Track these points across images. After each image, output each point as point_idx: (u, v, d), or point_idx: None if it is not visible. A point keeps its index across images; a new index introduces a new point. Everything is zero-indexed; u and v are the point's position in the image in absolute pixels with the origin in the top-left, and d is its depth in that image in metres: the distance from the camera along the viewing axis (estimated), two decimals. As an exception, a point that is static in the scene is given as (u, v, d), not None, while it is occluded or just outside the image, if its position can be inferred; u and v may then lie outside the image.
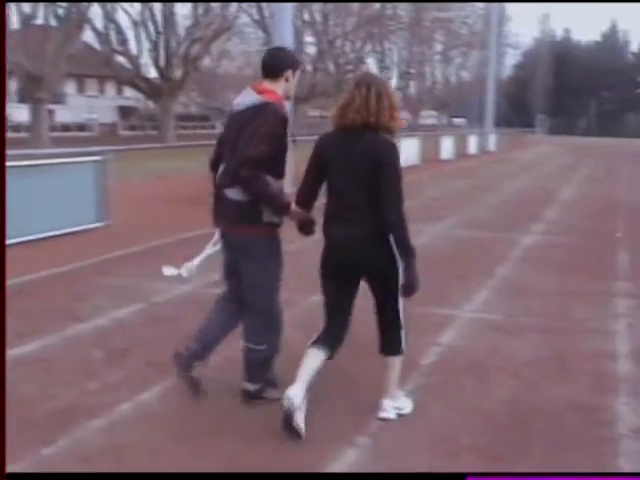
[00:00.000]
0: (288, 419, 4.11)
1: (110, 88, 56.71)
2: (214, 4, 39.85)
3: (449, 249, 10.07)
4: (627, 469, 3.92)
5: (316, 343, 4.42)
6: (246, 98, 4.62)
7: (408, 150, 25.45)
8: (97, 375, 5.04)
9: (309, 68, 51.53)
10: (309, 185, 4.43)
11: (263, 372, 4.71)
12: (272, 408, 4.54)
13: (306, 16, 49.66)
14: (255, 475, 3.73)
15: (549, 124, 75.85)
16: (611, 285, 8.15)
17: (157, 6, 40.58)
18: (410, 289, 4.18)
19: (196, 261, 5.08)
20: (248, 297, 4.66)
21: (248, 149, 4.33)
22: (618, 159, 36.26)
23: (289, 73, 4.62)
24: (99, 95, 55.17)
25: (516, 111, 78.68)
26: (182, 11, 43.44)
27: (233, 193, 4.51)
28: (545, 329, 6.43)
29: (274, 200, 4.45)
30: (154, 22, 41.23)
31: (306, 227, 4.56)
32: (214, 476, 3.69)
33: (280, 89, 4.59)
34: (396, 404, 4.54)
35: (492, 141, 39.90)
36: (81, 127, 46.60)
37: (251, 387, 4.69)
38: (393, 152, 4.19)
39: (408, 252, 4.13)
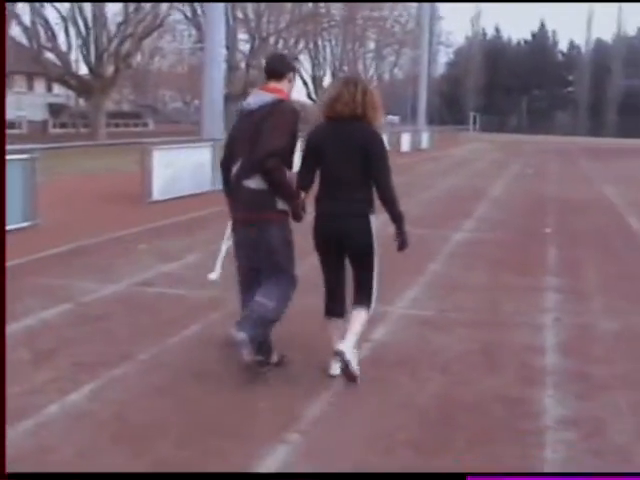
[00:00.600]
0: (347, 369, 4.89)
1: (39, 85, 55.60)
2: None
3: (381, 245, 10.12)
4: (552, 459, 4.00)
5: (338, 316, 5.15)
6: (258, 97, 5.10)
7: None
8: (25, 376, 4.93)
9: (242, 65, 51.41)
10: (307, 172, 5.02)
11: (256, 328, 4.86)
12: (202, 406, 4.54)
13: (239, 13, 49.52)
14: (258, 475, 3.71)
15: (481, 121, 76.93)
16: (539, 280, 8.31)
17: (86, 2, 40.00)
18: (403, 246, 5.05)
19: (218, 265, 5.30)
20: (269, 272, 5.06)
21: (272, 141, 4.82)
22: (548, 156, 36.99)
23: (291, 75, 5.19)
24: (28, 92, 54.06)
25: (449, 109, 79.60)
26: (113, 8, 42.84)
27: (252, 182, 4.95)
28: (474, 324, 6.53)
29: (288, 189, 4.96)
30: (83, 18, 40.61)
31: (299, 215, 5.05)
32: (214, 476, 3.64)
33: (285, 89, 5.13)
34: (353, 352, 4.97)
35: (425, 139, 40.27)
36: (10, 124, 45.58)
37: (237, 335, 4.79)
38: (378, 139, 4.98)
39: (400, 219, 5.01)
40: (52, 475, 3.58)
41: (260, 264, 5.07)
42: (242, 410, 4.53)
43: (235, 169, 5.04)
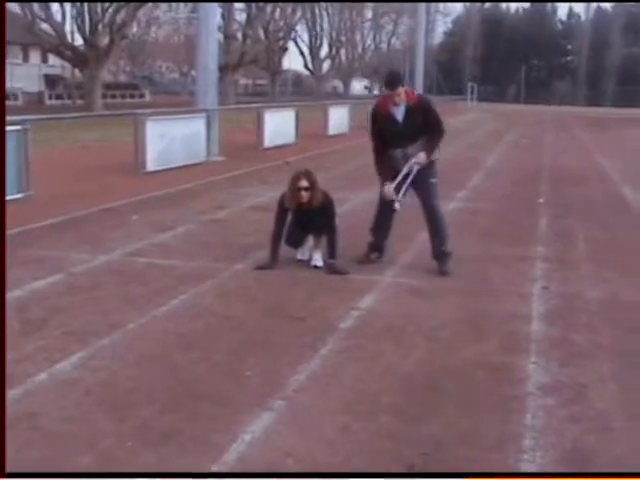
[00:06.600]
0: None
1: (34, 56, 55.30)
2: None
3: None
4: (532, 425, 4.07)
5: None
6: None
7: (337, 118, 25.54)
8: (14, 345, 4.98)
9: (239, 35, 51.11)
10: None
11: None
12: (189, 374, 4.60)
13: (235, -18, 49.20)
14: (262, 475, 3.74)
15: (479, 91, 76.59)
16: (530, 250, 8.36)
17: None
18: None
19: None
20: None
21: None
22: (545, 126, 36.93)
23: None
24: (23, 63, 53.75)
25: (447, 78, 79.29)
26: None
27: None
28: (462, 292, 6.58)
29: None
30: (78, -12, 40.31)
31: None
32: (214, 476, 3.67)
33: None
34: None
35: (422, 109, 40.00)
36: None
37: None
38: None
39: None
40: (52, 475, 3.62)
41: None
42: (229, 378, 4.58)
43: None
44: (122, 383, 4.48)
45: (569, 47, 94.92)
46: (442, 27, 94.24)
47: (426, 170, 7.03)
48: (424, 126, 6.93)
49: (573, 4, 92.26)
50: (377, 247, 7.55)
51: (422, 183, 7.06)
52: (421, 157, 6.91)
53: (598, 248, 8.59)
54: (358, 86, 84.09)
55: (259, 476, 3.53)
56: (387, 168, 7.11)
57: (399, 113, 6.91)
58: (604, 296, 6.61)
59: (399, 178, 7.00)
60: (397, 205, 7.02)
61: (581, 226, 9.90)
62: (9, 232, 8.25)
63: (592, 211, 11.19)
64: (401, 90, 6.82)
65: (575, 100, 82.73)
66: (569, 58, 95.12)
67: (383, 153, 7.13)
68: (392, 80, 6.89)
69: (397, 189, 7.02)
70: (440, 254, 7.29)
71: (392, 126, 6.94)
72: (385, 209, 7.26)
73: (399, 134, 6.94)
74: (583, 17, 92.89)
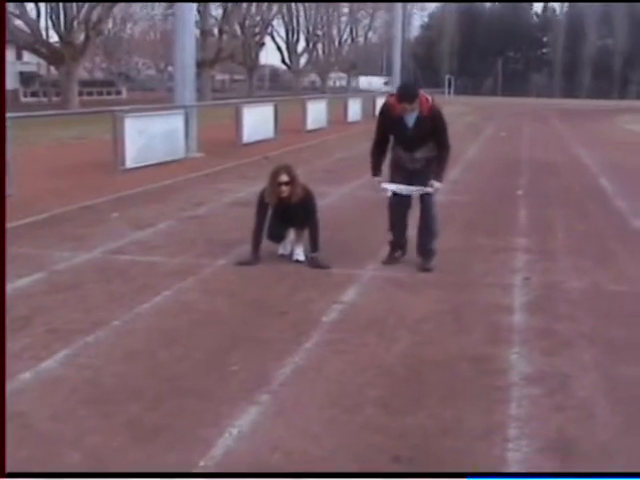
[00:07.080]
0: None
1: (9, 53, 54.67)
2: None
3: (355, 210, 10.21)
4: (516, 415, 4.11)
5: None
6: None
7: (315, 113, 25.54)
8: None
9: (215, 31, 50.92)
10: None
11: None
12: (174, 370, 4.60)
13: (211, -23, 48.99)
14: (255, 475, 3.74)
15: (456, 84, 76.82)
16: (510, 241, 8.42)
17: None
18: None
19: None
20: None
21: None
22: (522, 118, 37.09)
23: None
24: (-3, 60, 53.19)
25: (424, 72, 79.40)
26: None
27: None
28: (444, 284, 6.62)
29: None
30: (53, -16, 39.97)
31: None
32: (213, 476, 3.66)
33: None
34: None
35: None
36: (-20, 94, 44.90)
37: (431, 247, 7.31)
38: None
39: None
40: (52, 475, 3.61)
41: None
42: (214, 373, 4.60)
43: None
44: (108, 380, 4.48)
45: (545, 39, 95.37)
46: (419, 21, 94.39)
47: (432, 165, 7.07)
48: (433, 134, 6.95)
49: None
50: (399, 244, 7.46)
51: (425, 177, 7.03)
52: (436, 186, 7.02)
53: (578, 238, 8.67)
54: (336, 80, 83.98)
55: (247, 476, 3.54)
56: (380, 163, 7.11)
57: (410, 119, 6.82)
58: (585, 286, 6.68)
59: (411, 190, 7.09)
60: (388, 192, 7.13)
61: (559, 217, 9.98)
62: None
63: (570, 202, 11.28)
64: (416, 104, 6.73)
65: (552, 92, 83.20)
66: (545, 50, 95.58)
67: (381, 148, 7.11)
68: (409, 94, 6.72)
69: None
70: (426, 251, 7.24)
71: (401, 130, 6.88)
72: (397, 208, 7.25)
73: (408, 138, 6.92)
74: (558, 10, 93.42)
